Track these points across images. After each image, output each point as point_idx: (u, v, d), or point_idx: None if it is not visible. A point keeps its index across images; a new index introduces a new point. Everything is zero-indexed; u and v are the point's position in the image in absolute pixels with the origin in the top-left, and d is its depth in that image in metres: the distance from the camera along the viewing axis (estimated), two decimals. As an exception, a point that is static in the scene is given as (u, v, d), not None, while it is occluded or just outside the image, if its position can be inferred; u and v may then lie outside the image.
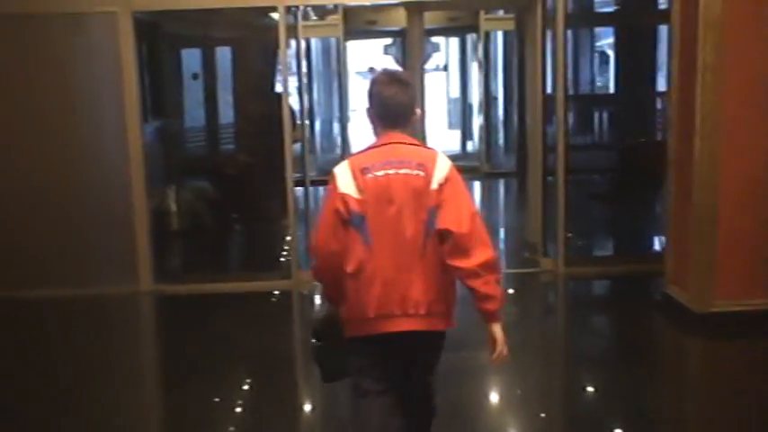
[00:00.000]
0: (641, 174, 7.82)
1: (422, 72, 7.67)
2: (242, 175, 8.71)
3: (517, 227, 8.69)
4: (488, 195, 12.00)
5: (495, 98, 13.78)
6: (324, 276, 3.06)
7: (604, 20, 11.12)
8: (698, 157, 5.34)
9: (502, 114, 13.70)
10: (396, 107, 3.01)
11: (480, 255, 2.85)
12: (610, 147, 10.81)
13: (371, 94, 3.05)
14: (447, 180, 2.90)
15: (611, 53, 13.50)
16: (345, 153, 11.27)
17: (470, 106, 14.95)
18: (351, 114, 14.07)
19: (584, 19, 9.54)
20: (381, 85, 3.03)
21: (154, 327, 6.60)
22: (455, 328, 3.02)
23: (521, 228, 8.28)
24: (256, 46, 9.35)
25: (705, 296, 5.44)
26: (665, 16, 9.41)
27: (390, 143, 2.98)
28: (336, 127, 14.71)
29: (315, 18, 11.68)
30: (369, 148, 3.04)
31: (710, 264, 5.40)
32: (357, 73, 17.78)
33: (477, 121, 14.08)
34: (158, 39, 8.50)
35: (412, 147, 3.00)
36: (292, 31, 7.14)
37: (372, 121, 3.08)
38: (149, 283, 6.70)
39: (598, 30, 12.62)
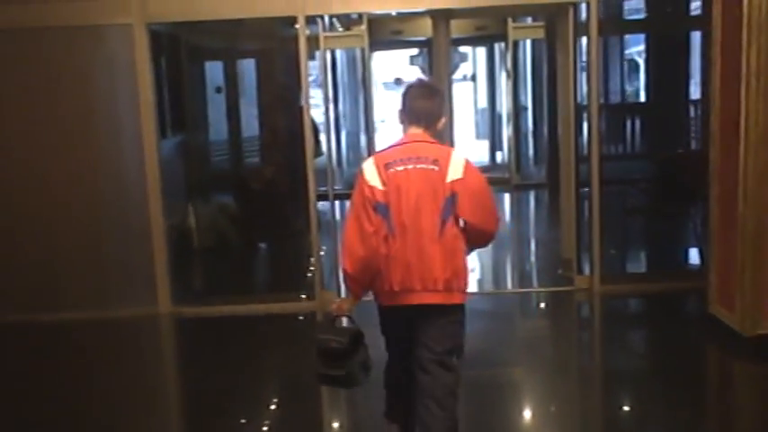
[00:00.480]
0: (679, 186, 7.47)
1: (449, 82, 7.39)
2: (266, 190, 8.48)
3: (550, 241, 8.34)
4: (519, 209, 11.66)
5: (525, 108, 13.47)
6: (357, 262, 3.36)
7: (638, 27, 10.79)
8: (743, 168, 5.02)
9: (531, 124, 13.37)
10: (420, 109, 3.47)
11: (494, 229, 3.48)
12: (643, 157, 10.47)
13: (403, 97, 3.53)
14: (464, 174, 3.35)
15: (640, 61, 13.18)
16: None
17: (499, 116, 14.65)
18: (378, 126, 13.83)
19: (618, 26, 9.22)
20: (412, 89, 3.54)
21: (172, 351, 6.37)
22: (467, 302, 3.49)
23: (554, 242, 7.94)
24: (281, 57, 9.14)
25: (753, 317, 5.11)
26: (700, 22, 9.17)
27: (411, 141, 3.44)
28: (363, 139, 14.46)
29: (340, 29, 11.47)
30: (392, 145, 3.50)
31: (758, 282, 5.08)
32: (384, 84, 17.57)
33: (506, 131, 13.78)
34: (179, 51, 8.33)
35: (429, 144, 3.45)
36: (315, 42, 6.92)
37: (401, 121, 3.54)
38: (168, 304, 6.49)
39: (627, 37, 12.27)
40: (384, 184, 3.34)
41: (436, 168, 3.34)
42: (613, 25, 9.12)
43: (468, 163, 3.39)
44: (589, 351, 5.90)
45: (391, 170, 3.35)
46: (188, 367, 5.79)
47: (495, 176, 12.68)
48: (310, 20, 6.61)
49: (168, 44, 7.90)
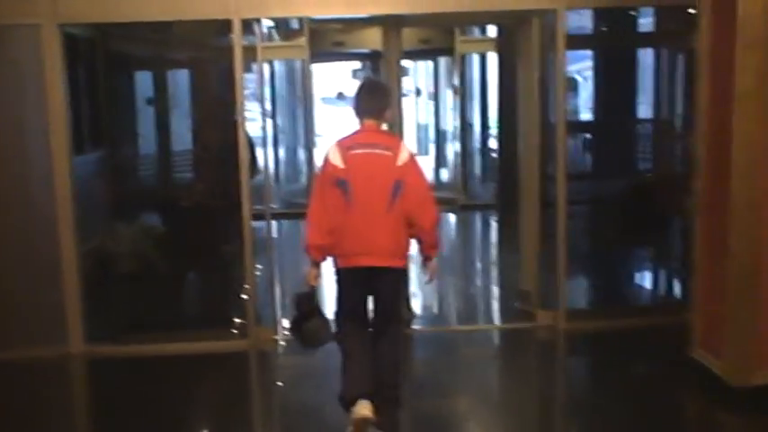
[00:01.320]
0: (647, 212, 6.98)
1: (399, 96, 6.73)
2: (196, 210, 7.68)
3: (505, 269, 7.71)
4: (467, 231, 11.06)
5: (471, 125, 12.93)
6: (321, 230, 4.06)
7: (588, 43, 10.33)
8: (735, 199, 4.51)
9: (479, 142, 12.84)
10: (369, 104, 4.20)
11: (430, 218, 4.12)
12: (595, 178, 10.03)
13: (355, 95, 4.26)
14: (408, 161, 4.09)
15: (579, 78, 12.86)
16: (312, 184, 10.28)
17: (444, 133, 14.13)
18: (317, 141, 13.13)
19: (583, 40, 8.74)
20: (362, 88, 4.30)
21: (83, 398, 5.58)
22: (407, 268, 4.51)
23: (508, 270, 7.30)
24: (216, 68, 8.41)
25: (743, 365, 4.59)
26: (649, 39, 8.74)
27: (368, 131, 4.17)
28: (302, 155, 13.76)
29: (278, 39, 10.79)
30: (352, 134, 4.21)
31: (750, 326, 4.56)
32: (323, 99, 16.89)
33: (451, 148, 13.24)
34: (102, 59, 7.53)
35: (383, 134, 4.25)
36: (252, 53, 6.24)
37: (357, 115, 4.22)
38: (80, 344, 5.73)
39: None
40: (345, 162, 4.04)
41: (389, 153, 4.08)
42: (580, 39, 8.60)
43: (411, 153, 4.14)
44: (556, 401, 5.21)
45: (351, 152, 4.06)
46: (100, 417, 5.05)
47: (441, 196, 12.10)
48: (247, 29, 5.93)
49: (89, 50, 7.14)
